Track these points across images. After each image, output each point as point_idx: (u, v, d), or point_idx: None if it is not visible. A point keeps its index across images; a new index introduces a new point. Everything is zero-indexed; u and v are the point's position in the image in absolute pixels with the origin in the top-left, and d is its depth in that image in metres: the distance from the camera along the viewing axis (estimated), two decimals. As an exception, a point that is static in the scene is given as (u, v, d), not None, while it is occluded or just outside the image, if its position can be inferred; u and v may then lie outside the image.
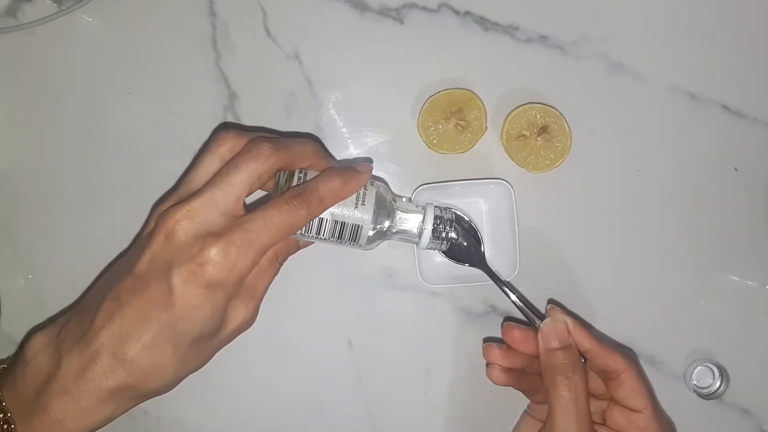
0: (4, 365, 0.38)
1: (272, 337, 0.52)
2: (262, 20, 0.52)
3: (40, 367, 0.35)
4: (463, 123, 0.50)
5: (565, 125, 0.50)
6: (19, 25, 0.51)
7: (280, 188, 0.40)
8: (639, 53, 0.52)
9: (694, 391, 0.50)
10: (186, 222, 0.35)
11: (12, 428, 0.34)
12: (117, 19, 0.52)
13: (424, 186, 0.49)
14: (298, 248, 0.43)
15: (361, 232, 0.40)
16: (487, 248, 0.50)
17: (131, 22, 0.52)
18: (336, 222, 0.40)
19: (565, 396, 0.39)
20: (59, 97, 0.53)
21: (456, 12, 0.52)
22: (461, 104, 0.50)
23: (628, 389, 0.41)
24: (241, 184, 0.36)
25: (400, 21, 0.52)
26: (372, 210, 0.40)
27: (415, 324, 0.52)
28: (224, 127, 0.44)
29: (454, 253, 0.46)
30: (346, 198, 0.40)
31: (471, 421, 0.53)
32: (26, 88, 0.53)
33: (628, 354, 0.43)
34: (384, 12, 0.52)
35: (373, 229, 0.41)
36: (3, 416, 0.34)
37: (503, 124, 0.50)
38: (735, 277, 0.52)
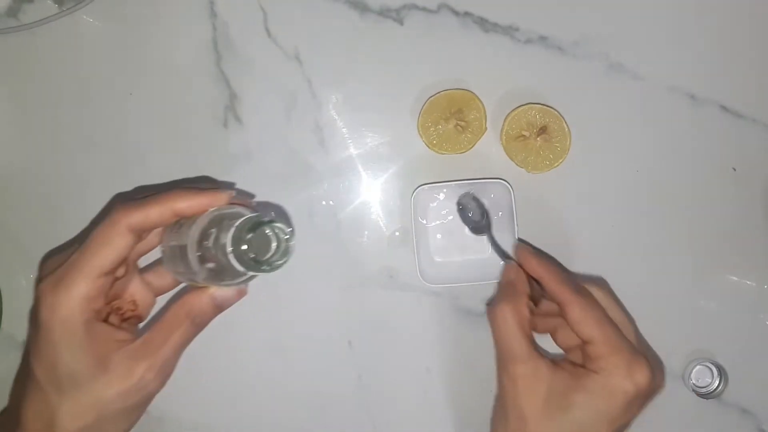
0: None
1: (272, 337, 0.52)
2: (263, 21, 0.52)
3: None
4: (462, 123, 0.50)
5: (565, 126, 0.50)
6: (20, 26, 0.51)
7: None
8: (638, 54, 0.52)
9: (693, 390, 0.50)
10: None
11: None
12: (118, 20, 0.52)
13: (424, 186, 0.50)
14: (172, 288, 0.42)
15: (188, 254, 0.35)
16: (488, 247, 0.50)
17: (132, 23, 0.52)
18: (172, 246, 0.37)
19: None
20: (60, 97, 0.53)
21: (456, 13, 0.52)
22: (461, 104, 0.50)
23: (572, 321, 0.41)
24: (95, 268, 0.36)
25: (400, 22, 0.52)
26: (198, 230, 0.35)
27: (415, 324, 0.53)
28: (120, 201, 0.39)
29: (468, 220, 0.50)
30: (181, 210, 0.36)
31: (471, 420, 0.53)
32: (27, 89, 0.53)
33: (579, 286, 0.42)
34: (384, 13, 0.52)
35: (196, 251, 0.34)
36: None
37: (503, 125, 0.51)
38: (734, 277, 0.52)
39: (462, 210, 0.50)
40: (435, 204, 0.51)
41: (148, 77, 0.53)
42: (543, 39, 0.52)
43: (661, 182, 0.52)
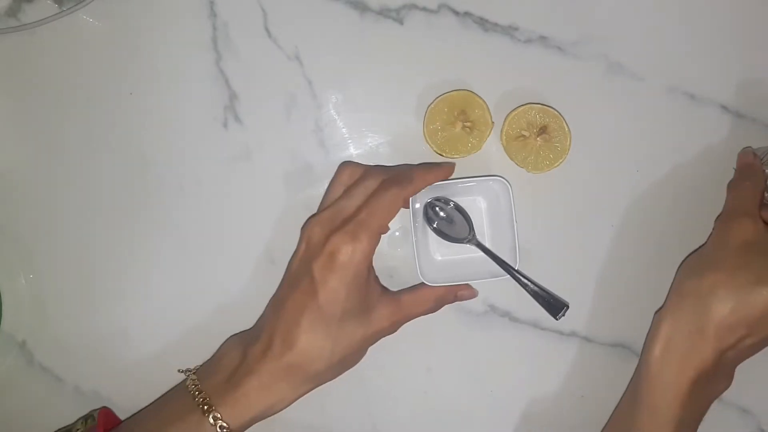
0: (198, 366, 0.48)
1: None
2: (263, 21, 0.52)
3: (231, 359, 0.45)
4: (468, 124, 0.50)
5: (565, 125, 0.50)
6: (20, 26, 0.51)
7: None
8: (638, 54, 0.52)
9: None
10: (317, 227, 0.44)
11: (212, 408, 0.43)
12: (118, 19, 0.52)
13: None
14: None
15: None
16: (488, 244, 0.50)
17: (132, 23, 0.53)
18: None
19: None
20: (60, 97, 0.53)
21: (456, 13, 0.52)
22: (462, 105, 0.50)
23: None
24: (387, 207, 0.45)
25: (400, 22, 0.52)
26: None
27: (415, 323, 0.52)
28: (345, 163, 0.49)
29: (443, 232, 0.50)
30: (432, 182, 0.47)
31: (471, 420, 0.53)
32: (27, 89, 0.53)
33: None
34: (384, 13, 0.52)
35: None
36: (203, 399, 0.43)
37: (503, 125, 0.51)
38: (734, 277, 0.52)
39: (437, 229, 0.50)
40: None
41: (148, 77, 0.53)
42: (543, 39, 0.52)
43: (661, 182, 0.52)
